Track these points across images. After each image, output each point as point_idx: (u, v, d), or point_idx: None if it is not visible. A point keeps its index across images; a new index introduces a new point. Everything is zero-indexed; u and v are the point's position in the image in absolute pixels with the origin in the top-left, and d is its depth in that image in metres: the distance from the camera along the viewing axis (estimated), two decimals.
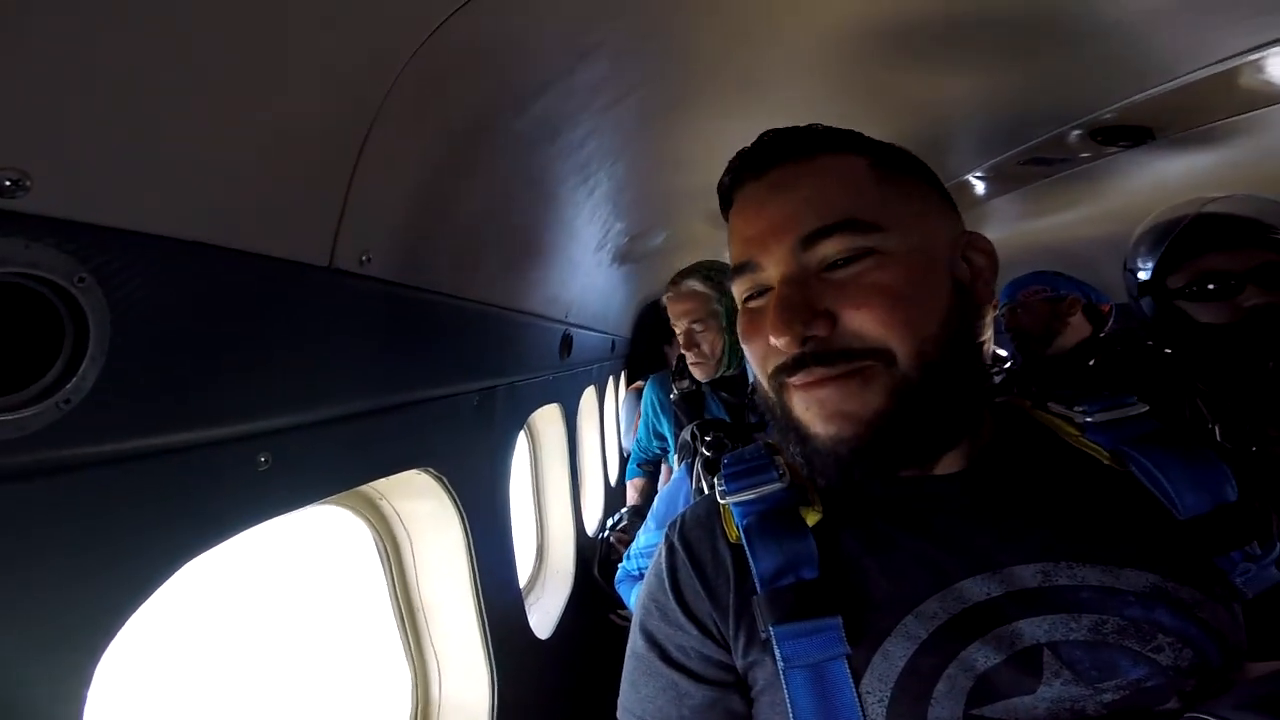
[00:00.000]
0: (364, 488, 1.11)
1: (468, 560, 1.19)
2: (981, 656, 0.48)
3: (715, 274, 1.59)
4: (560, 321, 1.82)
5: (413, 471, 1.06)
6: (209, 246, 0.53)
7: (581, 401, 2.63)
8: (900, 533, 0.55)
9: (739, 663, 0.56)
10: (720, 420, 1.31)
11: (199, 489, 0.56)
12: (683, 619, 0.58)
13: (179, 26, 0.43)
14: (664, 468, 2.33)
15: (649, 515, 1.36)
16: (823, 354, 0.52)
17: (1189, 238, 1.17)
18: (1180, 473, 0.56)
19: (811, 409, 0.54)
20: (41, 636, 0.42)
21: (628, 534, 2.00)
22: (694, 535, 0.62)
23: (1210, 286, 1.13)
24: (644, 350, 3.90)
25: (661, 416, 2.02)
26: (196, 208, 0.51)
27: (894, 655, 0.50)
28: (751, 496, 0.60)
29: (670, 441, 1.99)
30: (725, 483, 0.62)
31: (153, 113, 0.45)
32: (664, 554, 0.62)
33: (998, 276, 0.59)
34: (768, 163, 0.57)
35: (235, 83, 0.50)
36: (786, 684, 0.51)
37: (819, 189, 0.54)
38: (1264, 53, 0.85)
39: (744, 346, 0.60)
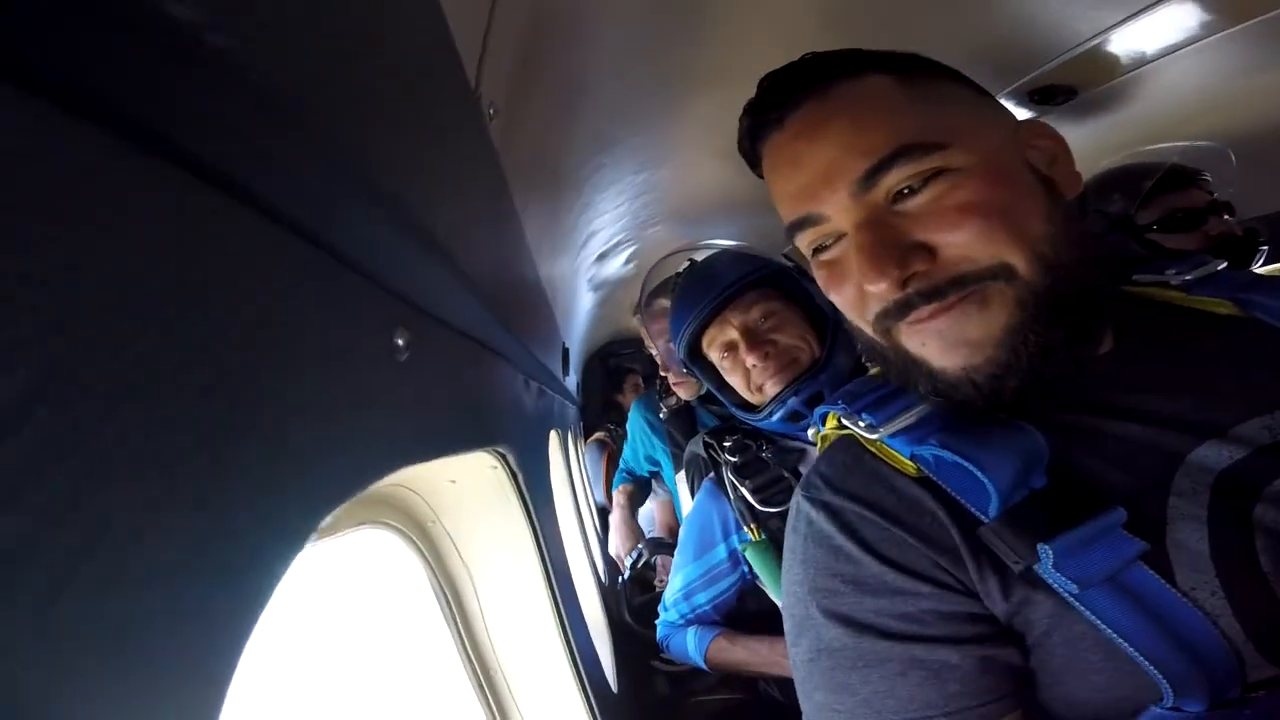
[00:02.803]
0: (412, 505, 0.89)
1: (545, 585, 0.98)
2: (1270, 517, 0.41)
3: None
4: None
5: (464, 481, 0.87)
6: None
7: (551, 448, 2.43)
8: (1094, 419, 0.48)
9: (999, 609, 0.44)
10: (729, 425, 1.22)
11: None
12: (901, 580, 0.46)
13: None
14: (655, 501, 2.18)
15: (679, 550, 1.22)
16: (930, 290, 0.47)
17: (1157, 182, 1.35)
18: None
19: (929, 344, 0.48)
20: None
21: (653, 571, 1.81)
22: (855, 484, 0.51)
23: (1181, 217, 1.30)
24: (598, 402, 3.74)
25: (653, 437, 1.91)
26: None
27: (1189, 543, 0.41)
28: (911, 421, 0.51)
29: (665, 463, 1.87)
30: (868, 416, 0.53)
31: None
32: (822, 519, 0.50)
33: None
34: (785, 109, 0.52)
35: None
36: (1092, 609, 0.41)
37: (855, 122, 0.48)
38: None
39: (831, 298, 0.54)
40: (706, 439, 1.19)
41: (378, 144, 0.35)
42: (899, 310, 0.48)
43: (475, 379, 0.71)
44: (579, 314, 2.23)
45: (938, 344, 0.48)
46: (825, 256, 0.52)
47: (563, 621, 0.98)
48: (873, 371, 0.62)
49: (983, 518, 0.45)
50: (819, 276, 0.54)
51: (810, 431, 0.65)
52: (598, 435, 3.06)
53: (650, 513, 2.19)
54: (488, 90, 0.62)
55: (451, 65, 0.50)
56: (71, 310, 0.19)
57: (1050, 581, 0.42)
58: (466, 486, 0.88)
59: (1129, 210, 1.35)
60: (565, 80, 0.99)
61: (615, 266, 2.16)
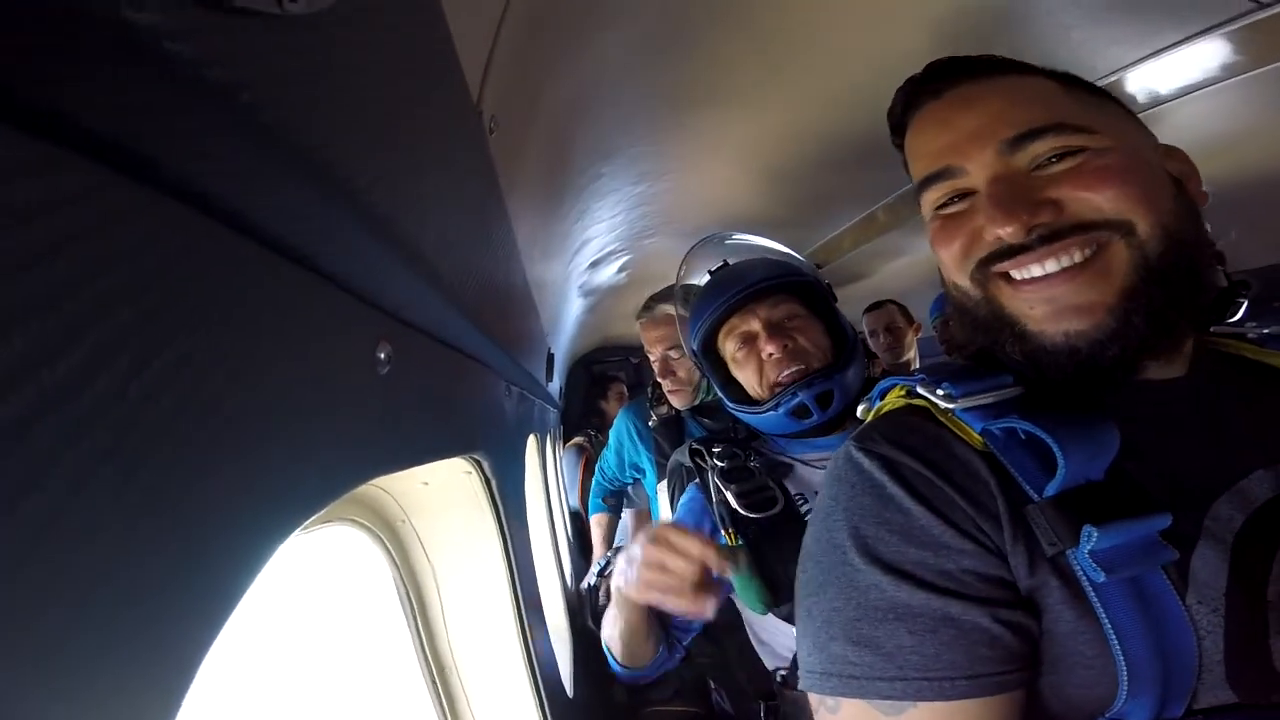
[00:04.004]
0: (383, 504, 0.89)
1: (509, 589, 0.98)
2: None
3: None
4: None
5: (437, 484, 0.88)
6: None
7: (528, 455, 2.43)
8: (1152, 435, 0.50)
9: (1023, 584, 0.46)
10: (719, 433, 1.22)
11: None
12: (948, 535, 0.46)
13: None
14: (630, 511, 2.18)
15: None
16: (1051, 234, 0.48)
17: None
18: None
19: (1039, 307, 0.50)
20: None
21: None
22: (914, 442, 0.51)
23: None
24: (580, 406, 3.73)
25: (639, 445, 1.90)
26: None
27: (1212, 561, 0.43)
28: (991, 399, 0.52)
29: (649, 471, 1.87)
30: (949, 387, 0.53)
31: None
32: (875, 468, 0.50)
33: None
34: (946, 83, 0.55)
35: None
36: (1103, 602, 0.43)
37: (1015, 100, 0.52)
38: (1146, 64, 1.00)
39: (936, 251, 0.56)
40: (695, 445, 1.19)
41: (374, 165, 0.36)
42: (1011, 252, 0.50)
43: (456, 388, 0.72)
44: (567, 319, 2.23)
45: (1048, 309, 0.49)
46: (946, 211, 0.54)
47: (523, 625, 0.99)
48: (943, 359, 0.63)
49: (1034, 496, 0.46)
50: (932, 230, 0.56)
51: (861, 409, 0.65)
52: (577, 440, 3.05)
53: (625, 522, 2.19)
54: (490, 104, 0.63)
55: (455, 84, 0.51)
56: (65, 335, 0.19)
57: (1078, 566, 0.44)
58: (439, 489, 0.88)
59: None
60: (569, 92, 1.00)
61: (608, 274, 2.17)
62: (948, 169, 0.53)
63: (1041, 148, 0.50)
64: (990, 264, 0.52)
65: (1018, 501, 0.47)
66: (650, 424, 1.76)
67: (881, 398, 0.62)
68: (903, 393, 0.59)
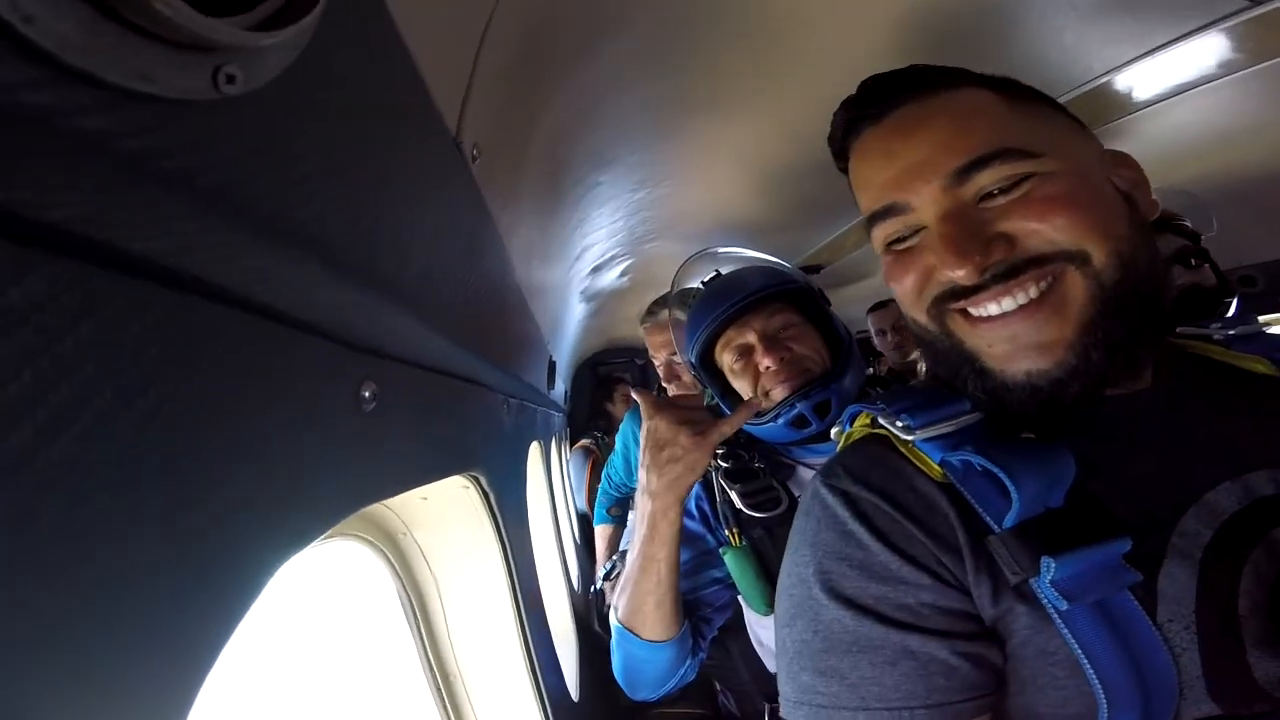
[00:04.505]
0: (384, 518, 0.91)
1: (510, 596, 1.00)
2: (1262, 563, 0.44)
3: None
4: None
5: (436, 499, 0.90)
6: None
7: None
8: (1118, 453, 0.50)
9: (987, 614, 0.46)
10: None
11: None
12: (906, 570, 0.47)
13: None
14: (635, 514, 2.19)
15: None
16: (1007, 271, 0.48)
17: None
18: None
19: (998, 346, 0.49)
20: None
21: None
22: (876, 477, 0.52)
23: None
24: (586, 409, 3.75)
25: None
26: None
27: (1179, 579, 0.44)
28: (949, 429, 0.52)
29: None
30: (907, 418, 0.54)
31: None
32: (838, 505, 0.52)
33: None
34: (885, 106, 0.53)
35: None
36: (1070, 628, 0.43)
37: (957, 123, 0.50)
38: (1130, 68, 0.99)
39: (891, 286, 0.56)
40: None
41: (348, 214, 0.37)
42: (965, 291, 0.49)
43: (448, 410, 0.73)
44: (569, 324, 2.25)
45: (1008, 347, 0.49)
46: (898, 247, 0.54)
47: (524, 631, 1.01)
48: (912, 383, 0.63)
49: (994, 527, 0.47)
50: (885, 265, 0.55)
51: (834, 431, 0.66)
52: (583, 442, 3.06)
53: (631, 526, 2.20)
54: (471, 133, 0.64)
55: (430, 122, 0.52)
56: (66, 413, 0.22)
57: (1041, 595, 0.44)
58: (438, 503, 0.90)
59: None
60: (563, 107, 1.01)
61: (610, 279, 2.18)
62: (894, 205, 0.52)
63: (987, 179, 0.49)
64: (946, 301, 0.52)
65: (979, 532, 0.48)
66: None
67: (851, 423, 0.63)
68: (868, 421, 0.60)
